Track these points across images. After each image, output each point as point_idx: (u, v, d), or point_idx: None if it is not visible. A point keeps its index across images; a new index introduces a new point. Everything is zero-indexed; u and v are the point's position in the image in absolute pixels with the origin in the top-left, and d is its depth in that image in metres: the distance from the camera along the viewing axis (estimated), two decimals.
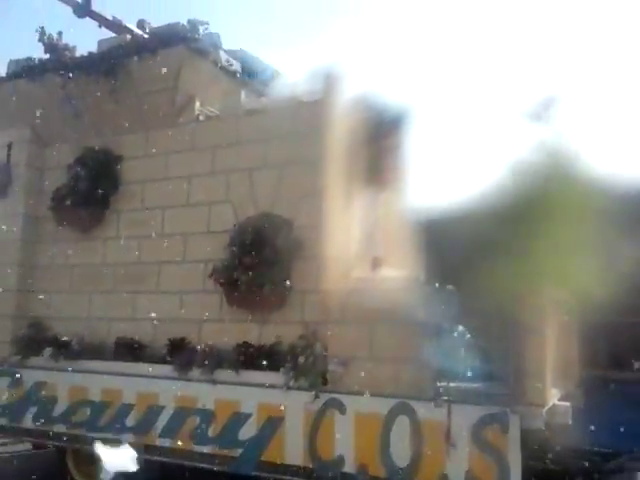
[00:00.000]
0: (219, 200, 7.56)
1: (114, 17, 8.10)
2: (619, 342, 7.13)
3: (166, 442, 6.99)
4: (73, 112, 8.45)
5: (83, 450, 7.38)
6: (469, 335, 6.07)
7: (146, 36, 8.10)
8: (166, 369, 7.14)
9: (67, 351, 7.90)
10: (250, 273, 6.82)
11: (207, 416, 6.80)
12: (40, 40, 8.61)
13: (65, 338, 8.00)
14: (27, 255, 8.81)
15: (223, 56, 8.08)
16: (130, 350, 7.56)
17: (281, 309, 6.90)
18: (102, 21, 7.96)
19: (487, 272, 5.40)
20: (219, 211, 7.54)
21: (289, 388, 6.39)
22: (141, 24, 8.19)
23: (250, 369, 6.70)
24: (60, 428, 7.74)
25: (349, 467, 6.06)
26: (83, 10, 7.60)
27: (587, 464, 6.30)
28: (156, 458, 6.98)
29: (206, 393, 6.84)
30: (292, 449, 6.33)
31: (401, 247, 7.37)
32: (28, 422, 8.01)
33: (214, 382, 6.84)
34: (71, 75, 8.36)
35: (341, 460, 6.10)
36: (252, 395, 6.59)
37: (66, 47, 8.65)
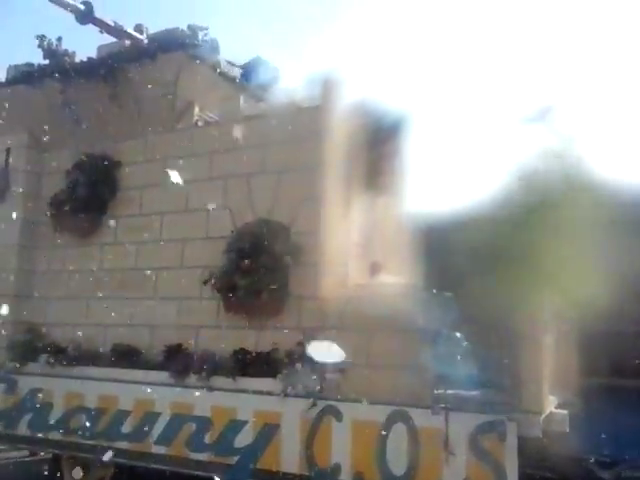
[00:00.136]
0: (217, 206, 7.54)
1: (115, 22, 8.10)
2: (618, 350, 7.09)
3: (162, 449, 6.94)
4: (72, 117, 8.45)
5: (79, 457, 7.33)
6: (467, 342, 6.04)
7: (145, 41, 8.11)
8: (163, 375, 7.10)
9: (63, 357, 7.87)
10: (248, 279, 6.79)
11: (203, 423, 6.75)
12: (40, 46, 8.62)
13: (62, 344, 7.97)
14: (24, 260, 8.79)
15: (223, 62, 8.09)
16: (127, 356, 7.52)
17: (278, 315, 6.87)
18: (104, 27, 7.96)
19: (486, 279, 5.37)
20: (217, 217, 7.52)
21: (286, 395, 6.35)
22: (139, 29, 8.20)
23: (247, 376, 6.67)
24: (55, 435, 7.70)
25: (346, 475, 6.01)
26: (86, 17, 7.60)
27: (585, 472, 6.26)
28: (152, 465, 6.94)
29: (202, 400, 6.80)
30: (288, 457, 6.28)
31: (399, 253, 7.35)
32: (24, 429, 7.96)
33: (211, 389, 6.80)
34: (70, 81, 8.37)
35: (338, 468, 6.05)
36: (249, 402, 6.55)
37: (65, 53, 8.66)
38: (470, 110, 6.54)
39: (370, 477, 5.89)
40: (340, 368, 6.18)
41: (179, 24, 8.04)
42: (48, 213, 8.65)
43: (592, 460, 6.37)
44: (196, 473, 6.74)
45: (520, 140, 6.03)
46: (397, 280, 6.96)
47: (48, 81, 8.55)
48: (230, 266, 6.99)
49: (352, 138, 7.06)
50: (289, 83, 7.50)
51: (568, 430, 5.57)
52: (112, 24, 7.89)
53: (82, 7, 7.50)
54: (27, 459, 9.16)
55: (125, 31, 7.95)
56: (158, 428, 6.99)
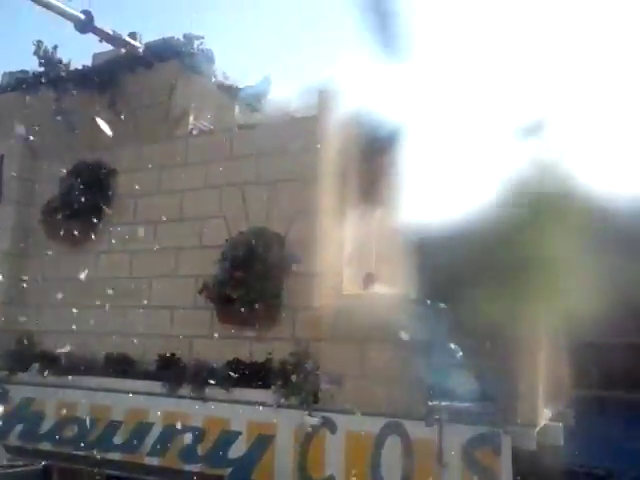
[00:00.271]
0: (212, 215, 7.53)
1: (114, 31, 8.10)
2: (610, 362, 7.12)
3: (154, 460, 6.90)
4: (67, 125, 8.42)
5: (70, 468, 7.27)
6: (461, 354, 6.04)
7: (141, 50, 8.11)
8: (155, 385, 7.06)
9: (55, 366, 7.81)
10: (242, 289, 6.78)
11: (196, 434, 6.72)
12: (35, 53, 8.61)
13: (54, 353, 7.91)
14: (16, 268, 8.73)
15: (219, 71, 8.10)
16: (119, 366, 7.48)
17: (272, 326, 6.86)
18: (103, 36, 7.95)
19: (479, 291, 5.38)
20: (211, 226, 7.51)
21: (280, 406, 6.33)
22: (133, 37, 8.20)
23: (240, 386, 6.64)
24: (46, 445, 7.63)
25: None
26: (86, 26, 7.59)
27: None
28: (144, 477, 6.88)
29: (196, 410, 6.77)
30: (282, 468, 6.25)
31: (393, 264, 7.35)
32: (14, 439, 7.89)
33: (204, 399, 6.76)
34: (65, 88, 8.36)
35: (331, 479, 6.02)
36: (242, 413, 6.52)
37: (61, 61, 8.65)
38: (464, 123, 6.57)
39: None
40: (334, 379, 6.17)
41: (174, 33, 8.07)
42: (41, 220, 8.59)
43: (586, 472, 6.37)
44: None
45: (513, 153, 6.07)
46: (391, 291, 6.96)
47: (43, 88, 8.52)
48: (224, 276, 6.98)
49: (347, 149, 7.07)
50: (284, 93, 7.51)
51: (562, 443, 5.58)
52: (111, 33, 7.89)
53: (83, 16, 7.48)
54: (18, 470, 9.05)
55: (124, 40, 7.94)
56: (151, 439, 6.95)
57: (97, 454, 6.99)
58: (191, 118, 8.12)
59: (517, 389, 5.45)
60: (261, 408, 6.38)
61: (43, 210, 8.64)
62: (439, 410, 5.64)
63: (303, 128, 7.00)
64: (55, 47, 8.63)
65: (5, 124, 8.85)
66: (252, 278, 6.81)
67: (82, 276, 8.27)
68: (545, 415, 5.85)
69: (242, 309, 6.81)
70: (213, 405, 6.70)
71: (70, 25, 7.86)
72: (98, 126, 8.16)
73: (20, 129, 8.79)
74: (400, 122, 7.07)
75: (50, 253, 8.56)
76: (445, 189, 6.79)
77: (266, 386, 6.48)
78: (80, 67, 8.59)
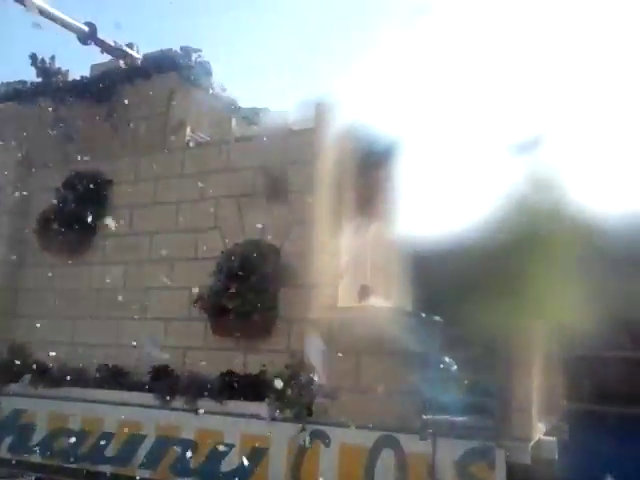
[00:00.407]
0: (207, 226, 7.54)
1: (115, 42, 8.14)
2: (604, 376, 7.13)
3: (146, 473, 6.82)
4: (63, 135, 8.43)
5: None
6: (455, 367, 6.04)
7: (139, 62, 8.15)
8: (148, 397, 7.02)
9: (47, 378, 7.75)
10: (237, 301, 6.77)
11: (189, 446, 6.66)
12: (33, 64, 8.64)
13: (46, 364, 7.86)
14: (10, 278, 8.69)
15: (216, 83, 8.14)
16: (112, 377, 7.43)
17: (267, 338, 6.84)
18: (105, 47, 7.99)
19: (474, 304, 5.40)
20: (207, 237, 7.51)
21: (274, 419, 6.30)
22: (129, 47, 8.24)
23: (234, 399, 6.61)
24: (37, 458, 7.54)
25: None
26: (89, 38, 7.63)
27: None
28: None
29: (189, 423, 6.72)
30: None
31: (389, 277, 7.37)
32: (4, 451, 7.79)
33: (197, 411, 6.72)
34: (62, 99, 8.38)
35: None
36: (236, 425, 6.48)
37: (59, 71, 8.68)
38: (461, 138, 6.63)
39: None
40: (328, 393, 6.15)
41: (172, 45, 8.11)
42: (36, 231, 8.57)
43: None
44: None
45: (509, 168, 6.12)
46: (386, 304, 6.97)
47: (40, 99, 8.54)
48: (219, 287, 6.97)
49: (343, 162, 7.10)
50: (281, 106, 7.56)
51: (556, 457, 5.57)
52: (112, 44, 7.93)
53: (86, 29, 7.52)
54: None
55: (124, 51, 7.98)
56: (143, 451, 6.89)
57: (88, 467, 6.91)
58: (188, 130, 8.15)
59: (511, 403, 5.45)
60: (255, 421, 6.35)
61: (38, 220, 8.62)
62: (433, 424, 5.62)
63: (300, 141, 7.04)
64: (53, 58, 8.66)
65: (1, 134, 8.85)
66: (247, 290, 6.80)
67: (76, 287, 8.26)
68: (539, 429, 5.84)
69: (237, 321, 6.80)
70: (206, 417, 6.66)
71: (66, 34, 7.91)
72: (94, 137, 8.20)
73: (17, 139, 8.78)
74: (396, 135, 7.12)
75: (44, 264, 8.55)
76: (441, 203, 6.83)
77: (260, 398, 6.44)
78: (78, 78, 8.61)
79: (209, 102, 8.18)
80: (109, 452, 7.10)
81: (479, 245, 6.03)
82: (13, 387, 7.97)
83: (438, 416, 5.66)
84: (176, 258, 7.65)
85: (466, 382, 5.82)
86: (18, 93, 8.79)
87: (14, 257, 8.75)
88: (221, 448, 6.48)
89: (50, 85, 8.54)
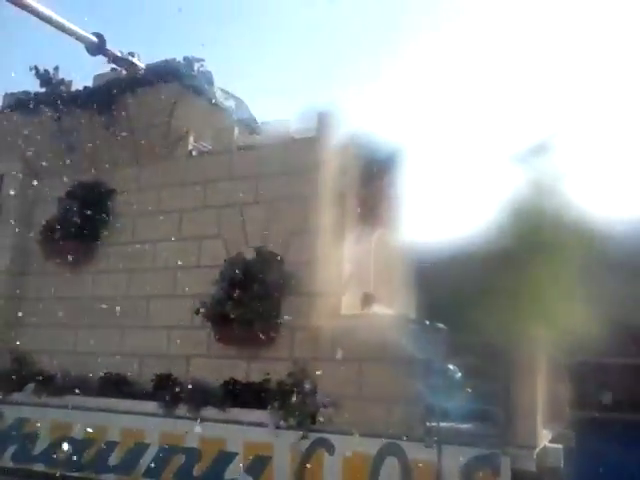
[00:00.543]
0: (210, 235, 7.56)
1: (122, 52, 8.17)
2: (610, 383, 7.11)
3: None
4: (67, 145, 8.47)
5: None
6: (460, 374, 6.02)
7: (142, 71, 8.19)
8: (152, 406, 7.00)
9: (51, 386, 7.74)
10: (239, 309, 6.77)
11: (192, 454, 6.64)
12: (36, 74, 8.68)
13: (50, 373, 7.85)
14: (14, 287, 8.71)
15: (219, 93, 8.17)
16: (116, 386, 7.42)
17: (270, 345, 6.83)
18: (112, 57, 8.03)
19: (478, 311, 5.39)
20: (210, 246, 7.52)
21: (277, 427, 6.28)
22: (131, 56, 8.27)
23: (237, 406, 6.59)
24: (40, 467, 7.52)
25: None
26: (98, 49, 7.66)
27: None
28: None
29: (192, 431, 6.70)
30: None
31: (392, 284, 7.37)
32: (8, 460, 7.78)
33: (200, 419, 6.71)
34: (66, 109, 8.42)
35: None
36: (239, 433, 6.47)
37: (62, 81, 8.72)
38: (463, 145, 6.65)
39: None
40: (331, 403, 6.13)
41: (174, 55, 8.15)
42: (39, 240, 8.59)
43: None
44: None
45: (513, 175, 6.13)
46: (390, 311, 6.97)
47: (44, 109, 8.57)
48: (222, 295, 6.97)
49: (346, 170, 7.12)
50: (284, 115, 7.57)
51: (562, 464, 5.54)
52: (119, 54, 7.97)
53: (95, 39, 7.54)
54: None
55: (131, 62, 8.02)
56: (146, 460, 6.87)
57: (92, 475, 6.89)
58: (191, 139, 8.19)
59: (516, 410, 5.43)
60: (258, 429, 6.33)
61: (41, 230, 8.64)
62: (438, 431, 5.60)
63: (302, 149, 7.06)
64: (56, 68, 8.71)
65: (5, 144, 8.89)
66: (250, 298, 6.80)
67: (79, 296, 8.27)
68: (545, 436, 5.82)
69: (239, 329, 6.80)
70: (209, 425, 6.64)
71: (71, 45, 7.94)
72: (97, 146, 8.23)
73: (21, 149, 8.82)
74: (399, 143, 7.14)
75: (48, 273, 8.57)
76: (443, 210, 6.84)
77: (263, 406, 6.43)
78: (81, 88, 8.65)
79: (211, 111, 8.21)
80: (112, 461, 7.09)
81: (482, 252, 6.03)
82: (17, 396, 7.96)
83: (442, 423, 5.64)
84: (179, 267, 7.65)
85: (470, 389, 5.80)
86: (22, 103, 8.82)
87: (18, 266, 8.77)
88: (224, 456, 6.46)
89: (53, 95, 8.58)
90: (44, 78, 8.74)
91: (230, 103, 8.47)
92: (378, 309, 7.05)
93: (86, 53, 7.76)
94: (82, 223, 8.27)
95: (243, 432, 6.45)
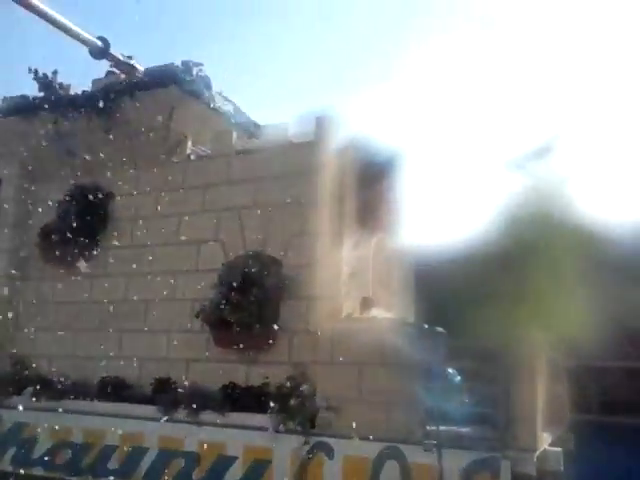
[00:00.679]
0: (209, 239, 7.56)
1: (123, 55, 8.17)
2: (610, 387, 7.11)
3: None
4: (65, 149, 8.47)
5: None
6: (459, 378, 6.03)
7: (140, 75, 8.19)
8: (151, 409, 6.99)
9: (49, 390, 7.73)
10: (238, 313, 6.76)
11: (192, 459, 6.63)
12: (35, 78, 8.69)
13: (48, 377, 7.84)
14: (12, 291, 8.69)
15: (217, 97, 8.18)
16: (115, 390, 7.41)
17: (269, 349, 6.83)
18: (116, 61, 8.03)
19: (477, 315, 5.40)
20: (208, 250, 7.53)
21: (276, 431, 6.27)
22: (129, 59, 8.27)
23: (236, 410, 6.59)
24: (39, 471, 7.51)
25: None
26: (102, 53, 7.66)
27: None
28: None
29: (191, 435, 6.69)
30: None
31: (391, 288, 7.37)
32: (6, 464, 7.75)
33: (199, 423, 6.70)
34: (64, 113, 8.42)
35: None
36: (238, 437, 6.46)
37: (60, 85, 8.72)
38: (462, 149, 6.66)
39: None
40: (330, 407, 6.13)
41: (173, 59, 8.15)
42: (37, 244, 8.58)
43: None
44: None
45: (510, 178, 6.14)
46: (389, 315, 6.97)
47: (42, 113, 8.57)
48: (221, 299, 6.96)
49: (345, 174, 7.13)
50: (282, 119, 7.58)
51: (562, 468, 5.54)
52: (121, 58, 7.97)
53: (99, 43, 7.53)
54: None
55: (133, 66, 8.03)
56: (145, 464, 6.86)
57: (91, 479, 6.88)
58: (189, 143, 8.20)
59: (516, 413, 5.43)
60: (258, 433, 6.33)
61: (40, 234, 8.63)
62: (437, 435, 5.60)
63: (301, 153, 7.07)
64: (55, 72, 8.71)
65: (3, 148, 8.89)
66: (249, 302, 6.80)
67: (78, 299, 8.26)
68: (545, 440, 5.82)
69: (238, 333, 6.79)
70: (209, 429, 6.63)
71: (71, 49, 7.93)
72: (96, 150, 8.23)
73: (19, 153, 8.82)
74: (398, 146, 7.15)
75: (46, 277, 8.56)
76: (443, 214, 6.84)
77: (262, 410, 6.42)
78: (79, 92, 8.65)
79: (210, 116, 8.22)
80: (112, 465, 7.07)
81: (481, 255, 6.03)
82: (15, 400, 7.92)
83: (442, 427, 5.64)
84: (177, 270, 7.65)
85: (470, 393, 5.81)
86: (19, 107, 8.82)
87: (16, 270, 8.76)
88: (224, 460, 6.45)
89: (52, 99, 8.58)
90: (43, 82, 8.74)
91: (229, 107, 8.48)
92: (377, 313, 7.05)
93: (81, 57, 7.75)
94: (80, 227, 8.26)
95: (242, 436, 6.44)
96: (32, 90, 8.78)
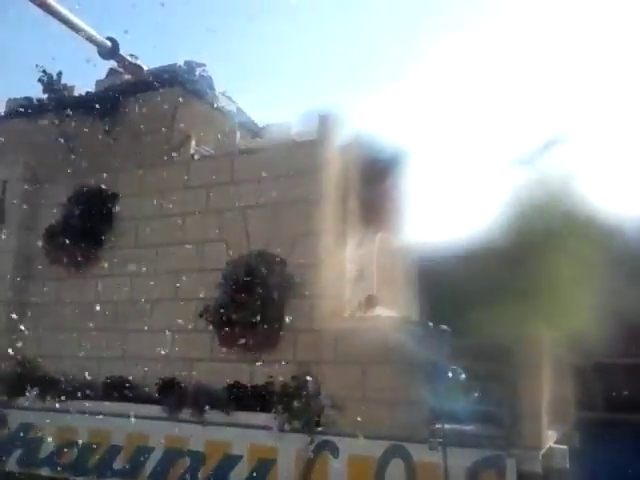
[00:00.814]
0: (213, 238, 7.56)
1: (131, 55, 8.17)
2: (615, 384, 7.08)
3: None
4: (69, 150, 8.49)
5: None
6: (464, 376, 6.00)
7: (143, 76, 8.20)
8: (156, 409, 7.00)
9: (55, 391, 7.74)
10: (242, 312, 6.77)
11: (197, 458, 6.64)
12: (39, 80, 8.71)
13: (54, 377, 7.86)
14: (17, 292, 8.72)
15: (221, 97, 8.18)
16: (120, 390, 7.42)
17: (274, 349, 6.83)
18: (124, 62, 8.03)
19: (483, 313, 5.38)
20: (212, 249, 7.53)
21: (281, 430, 6.27)
22: (132, 58, 8.27)
23: (241, 410, 6.59)
24: (45, 471, 7.53)
25: None
26: (111, 53, 7.68)
27: None
28: None
29: (196, 434, 6.70)
30: None
31: (396, 286, 7.35)
32: (13, 465, 7.78)
33: (204, 423, 6.70)
34: (68, 114, 8.44)
35: None
36: (243, 437, 6.46)
37: (64, 87, 8.75)
38: (466, 145, 6.64)
39: None
40: (335, 405, 6.12)
41: (176, 60, 8.17)
42: (42, 245, 8.61)
43: None
44: None
45: (517, 176, 6.12)
46: (393, 313, 6.95)
47: (46, 115, 8.60)
48: (225, 299, 6.97)
49: (349, 173, 7.12)
50: (286, 117, 7.58)
51: (568, 466, 5.52)
52: (129, 59, 7.98)
53: (109, 43, 7.56)
54: None
55: (140, 67, 8.03)
56: (151, 463, 6.87)
57: (96, 479, 6.89)
58: (193, 143, 8.20)
59: (521, 411, 5.41)
60: (263, 432, 6.33)
61: (45, 235, 8.66)
62: (443, 433, 5.59)
63: (304, 152, 7.06)
64: (59, 73, 8.73)
65: (8, 150, 8.92)
66: (253, 301, 6.80)
67: (83, 300, 8.28)
68: (550, 437, 5.80)
69: (243, 332, 6.80)
70: (214, 429, 6.63)
71: (71, 48, 7.92)
72: (100, 151, 8.24)
73: (23, 155, 8.84)
74: (402, 144, 7.13)
75: (51, 277, 8.58)
76: (447, 211, 6.82)
77: (267, 410, 6.42)
78: (83, 93, 8.68)
79: (213, 116, 8.23)
80: (117, 465, 7.08)
81: (486, 253, 6.01)
82: (21, 400, 7.97)
83: (447, 425, 5.62)
84: (182, 270, 7.66)
85: (475, 391, 5.79)
86: (25, 109, 8.84)
87: (21, 271, 8.78)
88: (229, 459, 6.46)
89: (56, 101, 8.60)
90: (47, 83, 8.77)
91: (232, 107, 8.48)
92: (381, 311, 7.05)
93: (80, 59, 7.75)
94: (85, 228, 8.30)
95: (247, 435, 6.44)
96: (33, 91, 8.81)
